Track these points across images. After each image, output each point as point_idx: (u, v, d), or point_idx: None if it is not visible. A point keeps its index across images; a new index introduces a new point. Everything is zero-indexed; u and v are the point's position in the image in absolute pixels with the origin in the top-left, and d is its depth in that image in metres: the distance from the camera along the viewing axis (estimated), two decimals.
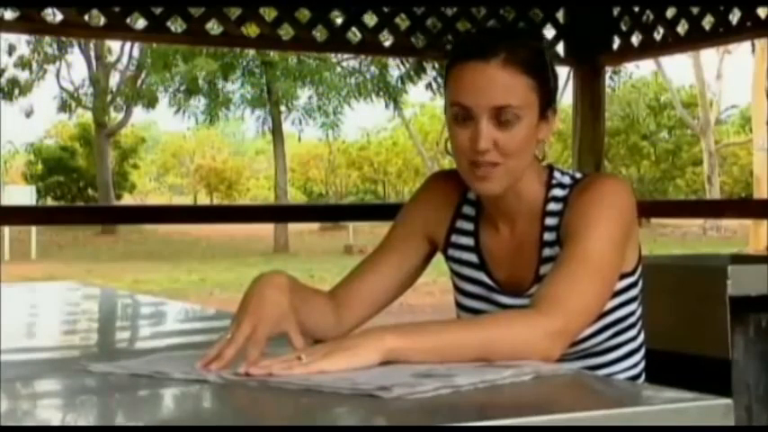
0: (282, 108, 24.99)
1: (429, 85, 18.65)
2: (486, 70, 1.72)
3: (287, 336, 1.59)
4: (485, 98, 1.71)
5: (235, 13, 3.64)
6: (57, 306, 3.06)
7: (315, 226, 29.41)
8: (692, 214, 6.46)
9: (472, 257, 1.89)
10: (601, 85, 4.30)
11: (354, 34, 4.12)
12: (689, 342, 2.89)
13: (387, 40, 4.11)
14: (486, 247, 1.88)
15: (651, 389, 1.42)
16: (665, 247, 18.82)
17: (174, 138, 45.02)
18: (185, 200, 43.65)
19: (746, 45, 20.10)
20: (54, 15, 3.72)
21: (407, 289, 1.96)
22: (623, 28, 4.19)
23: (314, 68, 23.35)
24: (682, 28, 3.97)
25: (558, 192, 1.82)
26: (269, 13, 3.73)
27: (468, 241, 1.90)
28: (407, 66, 20.51)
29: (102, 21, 3.50)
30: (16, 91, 25.33)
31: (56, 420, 1.29)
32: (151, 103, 25.59)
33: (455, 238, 1.92)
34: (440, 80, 16.76)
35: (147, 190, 45.18)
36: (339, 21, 3.87)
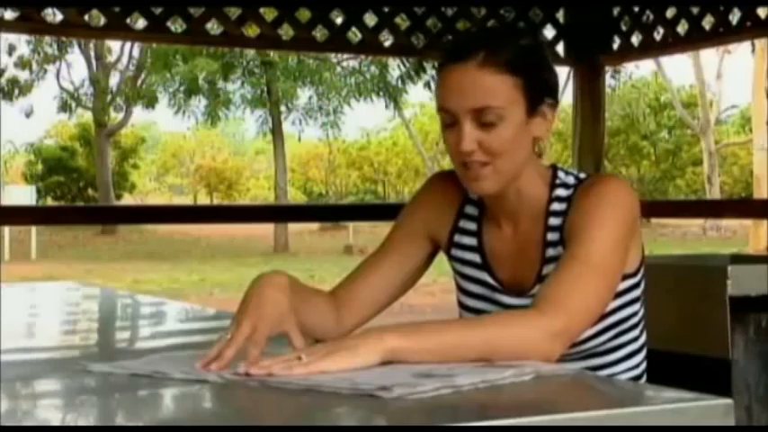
0: (282, 108, 24.99)
1: (429, 85, 18.63)
2: (464, 72, 1.72)
3: (287, 336, 1.59)
4: (464, 100, 1.72)
5: (235, 13, 3.65)
6: (57, 306, 3.06)
7: (315, 226, 29.40)
8: (692, 214, 6.47)
9: (475, 257, 1.89)
10: (601, 85, 4.30)
11: (354, 34, 4.12)
12: (689, 342, 2.89)
13: (387, 40, 4.11)
14: (488, 247, 1.88)
15: (651, 389, 1.42)
16: (665, 247, 18.81)
17: (174, 138, 45.02)
18: (185, 200, 43.63)
19: (746, 45, 20.09)
20: (54, 15, 3.72)
21: (409, 289, 1.95)
22: (623, 28, 4.19)
23: (314, 68, 23.35)
24: (682, 28, 3.97)
25: (561, 192, 1.82)
26: (269, 13, 3.73)
27: (471, 241, 1.90)
28: (407, 66, 20.51)
29: (102, 21, 3.50)
30: (16, 91, 25.35)
31: (56, 420, 1.29)
32: (151, 103, 25.59)
33: (458, 238, 1.92)
34: None
35: (147, 190, 45.16)
36: (339, 21, 3.87)
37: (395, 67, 22.23)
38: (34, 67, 25.57)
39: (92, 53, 27.34)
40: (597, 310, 1.69)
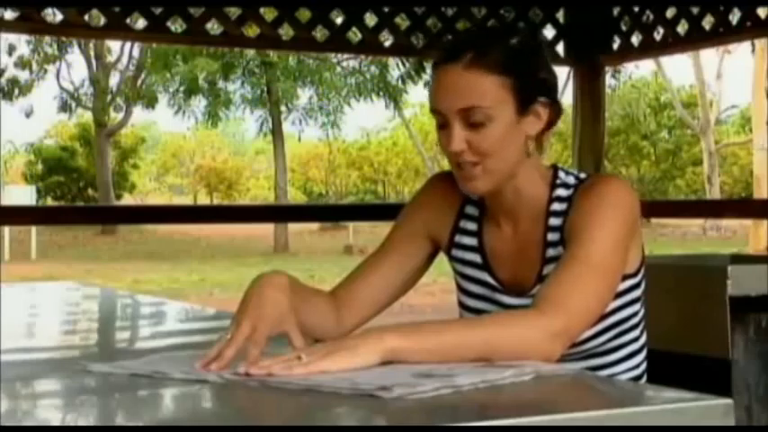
0: (282, 108, 24.99)
1: (428, 85, 18.63)
2: (453, 73, 1.73)
3: (287, 336, 1.59)
4: (452, 101, 1.73)
5: (235, 13, 3.65)
6: (57, 306, 3.05)
7: (315, 226, 29.39)
8: (692, 214, 6.47)
9: (475, 257, 1.89)
10: (601, 85, 4.30)
11: (354, 34, 4.13)
12: (689, 342, 2.89)
13: (387, 40, 4.11)
14: (489, 247, 1.88)
15: (651, 389, 1.42)
16: (665, 247, 18.81)
17: (174, 138, 45.01)
18: (185, 200, 43.63)
19: (746, 45, 20.11)
20: (54, 15, 3.72)
21: (409, 290, 1.95)
22: (623, 28, 4.19)
23: (314, 68, 23.35)
24: (682, 28, 3.98)
25: (562, 192, 1.82)
26: (269, 13, 3.73)
27: (472, 241, 1.90)
28: (407, 66, 20.51)
29: (102, 21, 3.50)
30: (16, 91, 25.35)
31: (56, 420, 1.29)
32: (151, 103, 25.60)
33: (459, 238, 1.92)
34: None
35: (147, 190, 45.14)
36: (339, 21, 3.87)
37: (395, 67, 22.25)
38: (34, 67, 25.58)
39: (92, 53, 27.34)
40: (597, 310, 1.69)
